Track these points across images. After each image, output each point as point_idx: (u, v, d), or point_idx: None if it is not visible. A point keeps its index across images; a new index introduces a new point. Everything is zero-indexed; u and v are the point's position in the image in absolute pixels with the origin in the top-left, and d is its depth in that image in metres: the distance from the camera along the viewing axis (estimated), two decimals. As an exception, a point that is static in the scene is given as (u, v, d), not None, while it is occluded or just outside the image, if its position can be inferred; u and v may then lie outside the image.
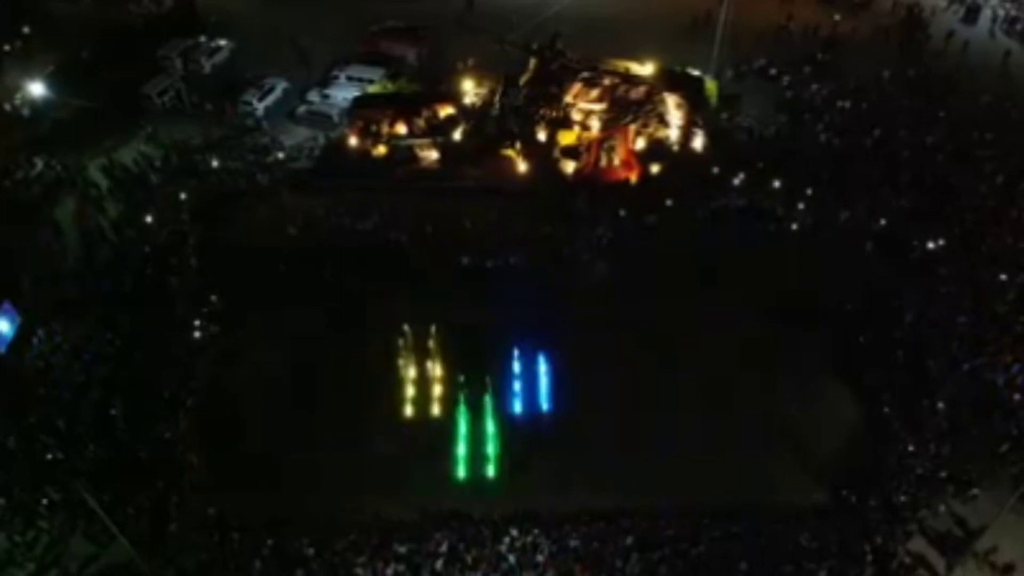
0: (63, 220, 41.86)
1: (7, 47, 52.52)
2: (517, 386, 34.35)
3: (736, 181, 42.53)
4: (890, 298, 37.27)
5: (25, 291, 37.29)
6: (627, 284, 37.78)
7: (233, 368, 35.46)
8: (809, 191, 41.88)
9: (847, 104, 48.40)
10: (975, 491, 30.98)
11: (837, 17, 55.50)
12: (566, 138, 44.74)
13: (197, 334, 36.30)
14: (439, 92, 47.85)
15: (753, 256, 39.07)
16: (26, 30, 53.24)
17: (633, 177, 44.07)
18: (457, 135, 45.38)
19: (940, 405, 33.18)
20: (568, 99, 45.26)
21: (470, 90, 47.52)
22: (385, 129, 45.19)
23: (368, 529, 29.80)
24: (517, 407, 33.89)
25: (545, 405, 34.06)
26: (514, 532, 29.73)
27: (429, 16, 55.80)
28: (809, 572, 28.89)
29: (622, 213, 41.17)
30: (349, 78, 50.31)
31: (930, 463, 31.60)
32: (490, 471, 31.96)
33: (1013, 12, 57.19)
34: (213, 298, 37.35)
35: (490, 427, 32.96)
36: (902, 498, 30.67)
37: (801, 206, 41.41)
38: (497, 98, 45.69)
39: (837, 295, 37.43)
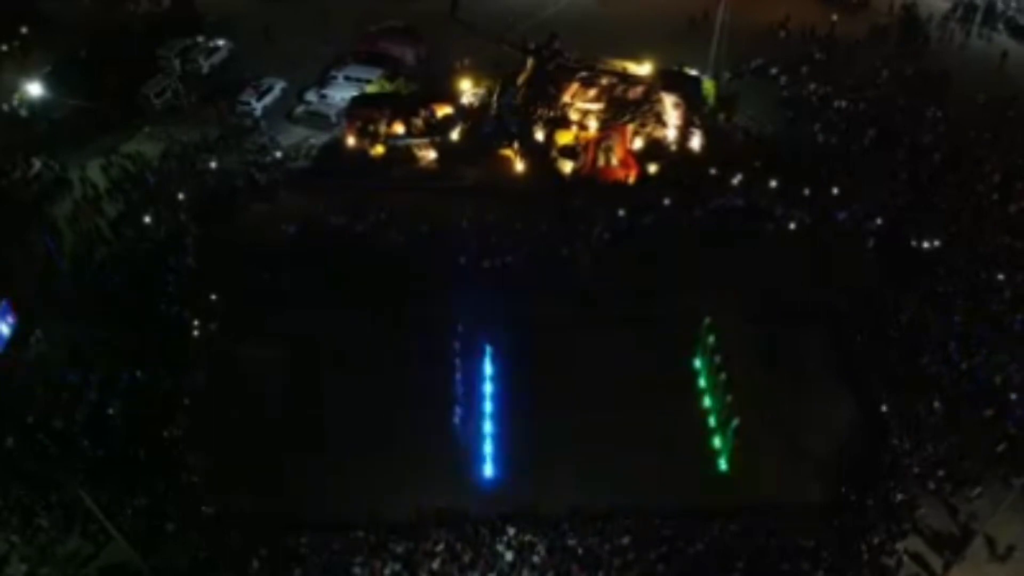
0: (61, 220, 41.86)
1: (4, 47, 52.49)
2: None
3: (734, 181, 42.59)
4: (887, 297, 37.33)
5: (23, 291, 37.26)
6: (625, 283, 37.78)
7: (231, 367, 35.43)
8: (807, 191, 41.95)
9: (844, 104, 48.47)
10: (972, 490, 30.98)
11: (835, 17, 55.53)
12: (564, 138, 44.78)
13: (195, 333, 36.33)
14: (437, 92, 47.86)
15: (751, 255, 39.12)
16: (23, 30, 53.16)
17: (631, 177, 44.11)
18: (455, 135, 45.42)
19: (937, 404, 33.27)
20: (565, 99, 45.31)
21: (468, 90, 47.59)
22: (383, 129, 45.20)
23: (366, 528, 29.81)
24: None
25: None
26: (511, 531, 29.76)
27: (428, 16, 55.81)
28: (806, 571, 28.92)
29: (620, 213, 41.20)
30: (347, 78, 50.33)
31: (928, 462, 31.65)
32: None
33: (1011, 12, 57.22)
34: (212, 297, 37.34)
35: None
36: (899, 497, 30.71)
37: (799, 206, 41.48)
38: (495, 98, 45.74)
39: (835, 294, 37.48)
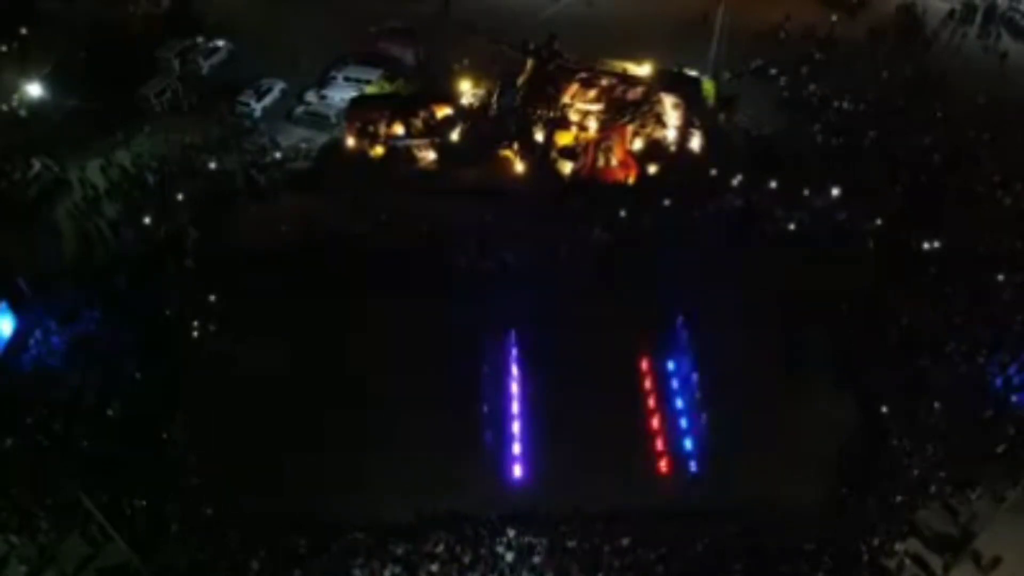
0: (61, 220, 41.84)
1: (4, 48, 52.45)
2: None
3: (734, 182, 42.56)
4: (887, 297, 37.29)
5: (22, 292, 37.24)
6: (625, 283, 37.75)
7: (231, 367, 35.44)
8: (807, 191, 41.92)
9: (844, 104, 48.46)
10: (972, 491, 30.97)
11: (834, 17, 55.56)
12: (563, 139, 44.72)
13: (195, 334, 36.31)
14: (437, 93, 47.81)
15: (750, 256, 39.09)
16: (23, 31, 53.16)
17: (630, 178, 44.08)
18: (454, 136, 45.37)
19: (937, 405, 33.24)
20: (565, 100, 45.26)
21: (467, 91, 47.55)
22: (383, 130, 45.13)
23: (365, 529, 29.80)
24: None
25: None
26: (511, 533, 29.75)
27: (428, 17, 55.83)
28: (805, 573, 28.90)
29: (621, 213, 41.16)
30: (347, 79, 50.32)
31: (928, 463, 31.63)
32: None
33: (1011, 13, 57.24)
34: (211, 298, 37.32)
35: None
36: (899, 498, 30.69)
37: (799, 206, 41.45)
38: (494, 99, 45.70)
39: (835, 294, 37.46)
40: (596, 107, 45.00)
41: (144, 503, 30.41)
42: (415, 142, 45.15)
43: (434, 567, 29.01)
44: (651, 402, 34.08)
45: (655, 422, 33.41)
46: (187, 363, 35.35)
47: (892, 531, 29.74)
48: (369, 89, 49.19)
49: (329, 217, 41.17)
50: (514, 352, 35.35)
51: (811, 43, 53.80)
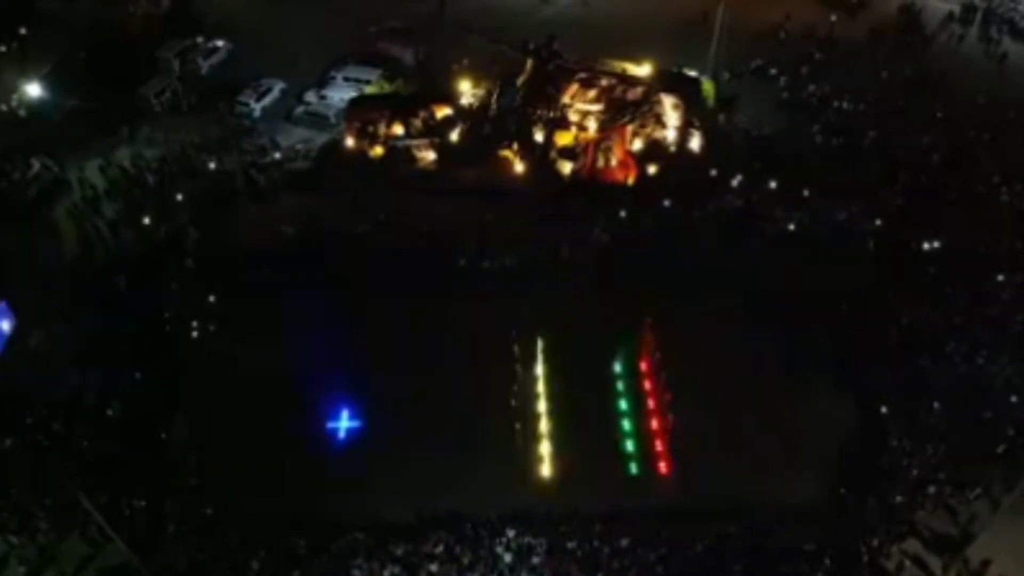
0: (61, 220, 41.84)
1: (4, 48, 52.46)
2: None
3: (733, 182, 42.54)
4: (887, 297, 37.29)
5: (23, 291, 37.25)
6: (625, 284, 37.75)
7: (231, 368, 35.43)
8: (806, 191, 41.91)
9: (844, 104, 48.46)
10: (971, 492, 30.96)
11: (834, 17, 55.56)
12: (563, 139, 44.71)
13: (195, 334, 36.31)
14: (436, 93, 47.81)
15: (750, 256, 39.08)
16: (23, 31, 53.15)
17: (630, 178, 44.08)
18: (454, 136, 45.36)
19: (937, 405, 33.24)
20: (565, 100, 45.25)
21: (467, 91, 47.54)
22: (382, 130, 45.13)
23: (365, 530, 29.80)
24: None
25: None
26: (511, 533, 29.75)
27: (427, 17, 55.83)
28: (805, 573, 28.91)
29: (622, 214, 41.15)
30: (346, 79, 50.32)
31: (927, 464, 31.63)
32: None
33: (1011, 13, 57.24)
34: (211, 298, 37.32)
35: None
36: (899, 499, 30.69)
37: (798, 206, 41.45)
38: (494, 99, 45.69)
39: (835, 294, 37.45)
40: (596, 107, 44.98)
41: (144, 503, 30.42)
42: (415, 142, 45.15)
43: (434, 567, 29.03)
44: (651, 402, 34.09)
45: (655, 422, 33.42)
46: (187, 363, 35.38)
47: (892, 531, 29.74)
48: (369, 89, 49.20)
49: (329, 217, 41.22)
50: (514, 351, 35.32)
51: (811, 43, 53.77)
